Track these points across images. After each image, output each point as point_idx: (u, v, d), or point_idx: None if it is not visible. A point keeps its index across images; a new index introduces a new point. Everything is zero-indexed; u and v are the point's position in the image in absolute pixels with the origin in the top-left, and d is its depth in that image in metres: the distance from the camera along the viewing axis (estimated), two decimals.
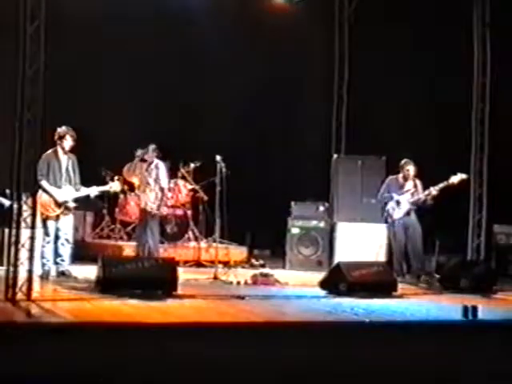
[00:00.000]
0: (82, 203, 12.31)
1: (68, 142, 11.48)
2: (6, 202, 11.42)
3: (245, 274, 12.39)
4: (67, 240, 11.56)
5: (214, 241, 13.08)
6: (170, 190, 13.66)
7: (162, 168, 12.67)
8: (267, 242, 15.39)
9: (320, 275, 11.56)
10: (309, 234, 14.24)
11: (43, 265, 11.38)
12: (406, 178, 12.88)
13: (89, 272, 11.15)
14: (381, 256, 13.45)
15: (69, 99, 13.88)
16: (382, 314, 9.62)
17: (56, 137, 11.48)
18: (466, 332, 9.02)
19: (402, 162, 12.90)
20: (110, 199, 14.23)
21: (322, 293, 10.99)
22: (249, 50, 15.04)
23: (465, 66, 13.80)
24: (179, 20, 14.49)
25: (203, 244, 14.02)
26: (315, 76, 15.34)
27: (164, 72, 15.00)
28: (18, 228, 9.50)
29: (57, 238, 11.49)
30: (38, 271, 10.85)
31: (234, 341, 7.92)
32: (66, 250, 11.56)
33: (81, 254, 13.12)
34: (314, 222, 14.29)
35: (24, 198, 9.63)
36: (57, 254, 11.50)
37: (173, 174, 14.43)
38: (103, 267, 10.23)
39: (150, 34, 14.64)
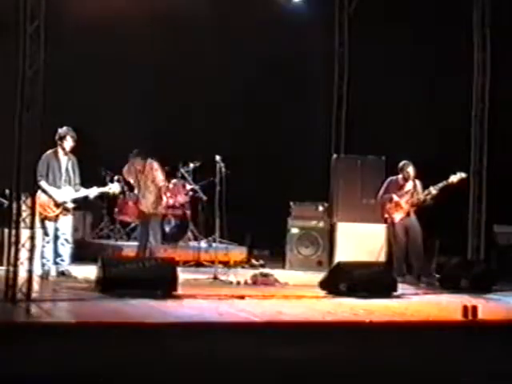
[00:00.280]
0: (82, 203, 12.32)
1: (68, 143, 11.49)
2: (6, 202, 11.42)
3: (245, 274, 12.38)
4: (66, 240, 11.57)
5: (214, 241, 13.08)
6: (168, 189, 13.67)
7: (155, 167, 12.61)
8: (267, 242, 15.36)
9: (320, 275, 11.56)
10: (308, 234, 14.24)
11: (43, 265, 11.39)
12: (405, 179, 12.87)
13: (89, 272, 11.16)
14: (381, 256, 13.44)
15: (69, 99, 13.88)
16: (382, 314, 9.62)
17: (56, 137, 11.49)
18: (466, 332, 9.02)
19: (401, 163, 12.87)
20: (110, 199, 14.22)
21: (322, 293, 10.99)
22: (249, 50, 15.04)
23: (465, 65, 13.79)
24: (179, 20, 14.49)
25: (203, 244, 14.02)
26: (315, 76, 15.33)
27: (164, 72, 15.00)
28: (18, 228, 9.50)
29: (56, 238, 11.50)
30: (37, 271, 10.85)
31: (234, 341, 7.92)
32: (65, 250, 11.57)
33: (81, 254, 13.10)
34: (314, 222, 14.29)
35: (23, 198, 9.63)
36: (56, 254, 11.51)
37: (172, 174, 14.44)
38: (103, 267, 10.23)
39: (150, 34, 14.63)
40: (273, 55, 15.24)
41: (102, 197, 13.50)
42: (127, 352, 7.18)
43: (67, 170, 11.54)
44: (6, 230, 9.77)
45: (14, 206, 9.65)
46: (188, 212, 14.48)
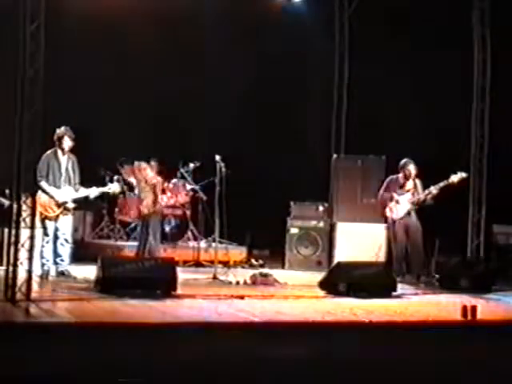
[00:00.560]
0: (82, 203, 12.32)
1: (67, 143, 11.49)
2: (6, 202, 11.42)
3: (244, 274, 12.38)
4: (66, 240, 11.57)
5: (214, 241, 13.08)
6: (168, 188, 13.74)
7: (143, 167, 12.62)
8: (266, 241, 15.37)
9: (319, 275, 11.56)
10: (308, 234, 14.24)
11: (43, 265, 11.39)
12: (406, 178, 12.86)
13: (88, 272, 11.15)
14: (381, 256, 13.44)
15: (69, 99, 13.88)
16: (382, 314, 9.62)
17: (55, 138, 11.49)
18: (465, 332, 9.02)
19: (403, 161, 12.87)
20: (110, 199, 14.22)
21: (322, 293, 10.99)
22: (249, 50, 15.04)
23: (465, 65, 13.79)
24: (179, 20, 14.49)
25: (203, 244, 14.02)
26: (315, 76, 15.33)
27: (164, 72, 15.00)
28: (18, 228, 9.50)
29: (56, 237, 11.50)
30: (37, 271, 10.86)
31: (234, 341, 7.92)
32: (65, 250, 11.57)
33: (80, 253, 13.11)
34: (314, 222, 14.30)
35: (23, 198, 9.63)
36: (56, 254, 11.51)
37: (172, 174, 14.46)
38: (103, 267, 10.23)
39: (150, 34, 14.63)
40: (273, 55, 15.24)
41: (102, 197, 13.49)
42: (127, 352, 7.18)
43: (67, 169, 11.54)
44: (6, 230, 9.76)
45: (14, 205, 9.65)
46: (188, 212, 14.48)
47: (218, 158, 12.58)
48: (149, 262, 10.82)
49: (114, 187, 12.11)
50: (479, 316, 9.28)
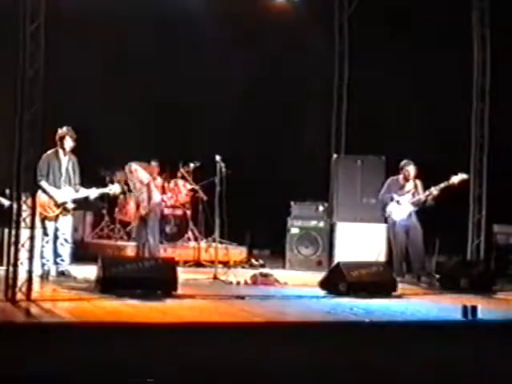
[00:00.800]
0: (82, 203, 12.32)
1: (68, 143, 11.48)
2: (6, 202, 11.42)
3: (244, 274, 12.38)
4: (66, 240, 11.56)
5: (214, 241, 13.08)
6: (164, 187, 13.79)
7: (134, 169, 12.63)
8: (267, 241, 15.39)
9: (320, 275, 11.56)
10: (308, 233, 14.25)
11: (43, 265, 11.39)
12: (406, 179, 12.87)
13: (88, 272, 11.15)
14: (381, 256, 13.45)
15: (69, 99, 13.88)
16: (382, 314, 9.62)
17: (56, 138, 11.49)
18: (465, 332, 9.02)
19: (402, 162, 12.89)
20: (110, 199, 14.23)
21: (322, 293, 10.99)
22: (249, 50, 15.03)
23: (465, 65, 13.79)
24: (179, 20, 14.49)
25: (203, 244, 14.02)
26: (315, 76, 15.33)
27: (164, 71, 15.01)
28: (18, 228, 9.50)
29: (56, 238, 11.50)
30: (37, 271, 10.85)
31: (234, 341, 7.92)
32: (65, 250, 11.57)
33: (80, 253, 13.12)
34: (314, 222, 14.30)
35: (24, 198, 9.63)
36: (56, 254, 11.50)
37: (172, 174, 14.47)
38: (103, 267, 10.23)
39: (150, 34, 14.64)
40: (273, 55, 15.25)
41: (102, 197, 13.50)
42: (127, 352, 7.18)
43: (67, 170, 11.54)
44: (6, 230, 9.76)
45: (14, 205, 9.65)
46: (188, 212, 14.49)
47: (218, 158, 12.58)
48: (149, 261, 10.81)
49: (114, 188, 12.10)
50: (479, 316, 9.27)
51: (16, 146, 9.43)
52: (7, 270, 9.42)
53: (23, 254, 9.52)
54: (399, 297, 11.03)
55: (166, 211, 14.10)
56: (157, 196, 12.83)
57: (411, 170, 12.80)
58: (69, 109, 13.40)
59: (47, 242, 11.41)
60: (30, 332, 7.98)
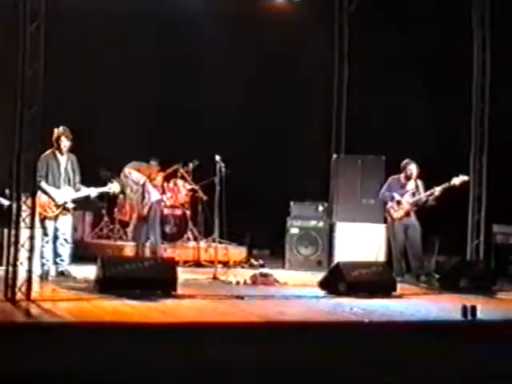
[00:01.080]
0: (82, 203, 12.32)
1: (64, 143, 11.47)
2: (6, 202, 11.42)
3: (244, 274, 12.38)
4: (66, 240, 11.56)
5: (214, 241, 13.08)
6: (164, 187, 13.81)
7: (127, 172, 12.66)
8: (266, 241, 15.39)
9: (319, 275, 11.56)
10: (308, 233, 14.25)
11: (42, 265, 11.38)
12: (408, 178, 12.86)
13: (88, 272, 11.15)
14: (380, 256, 13.45)
15: (69, 99, 13.88)
16: (382, 314, 9.62)
17: (53, 138, 11.49)
18: (465, 332, 9.02)
19: (404, 161, 12.88)
20: (110, 199, 14.23)
21: (322, 293, 10.99)
22: (249, 50, 15.04)
23: (465, 66, 13.78)
24: (179, 20, 14.50)
25: (202, 244, 14.02)
26: (315, 76, 15.33)
27: (164, 72, 15.01)
28: (18, 228, 9.50)
29: (55, 237, 11.50)
30: (37, 271, 10.85)
31: (234, 341, 7.92)
32: (65, 250, 11.57)
33: (80, 253, 13.12)
34: (314, 222, 14.30)
35: (23, 198, 9.63)
36: (56, 254, 11.50)
37: (172, 174, 14.46)
38: (102, 267, 10.23)
39: (150, 34, 14.65)
40: (273, 55, 15.25)
41: (102, 197, 13.51)
42: (127, 352, 7.18)
43: (66, 169, 11.53)
44: (6, 230, 9.76)
45: (14, 206, 9.64)
46: (188, 212, 14.49)
47: (217, 158, 12.58)
48: (149, 261, 10.81)
49: (114, 187, 12.10)
50: (479, 316, 9.27)
51: (16, 146, 9.43)
52: (7, 270, 9.42)
53: (23, 254, 9.52)
54: (399, 297, 11.03)
55: (166, 211, 14.11)
56: (155, 195, 12.85)
57: (413, 168, 12.79)
58: (69, 109, 13.40)
59: (47, 242, 11.41)
60: (29, 332, 7.98)
